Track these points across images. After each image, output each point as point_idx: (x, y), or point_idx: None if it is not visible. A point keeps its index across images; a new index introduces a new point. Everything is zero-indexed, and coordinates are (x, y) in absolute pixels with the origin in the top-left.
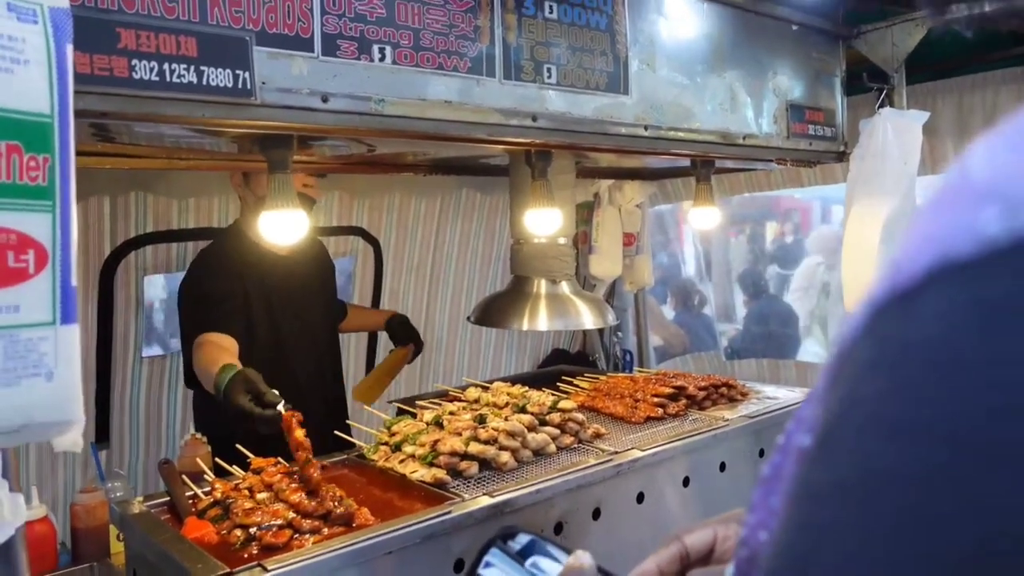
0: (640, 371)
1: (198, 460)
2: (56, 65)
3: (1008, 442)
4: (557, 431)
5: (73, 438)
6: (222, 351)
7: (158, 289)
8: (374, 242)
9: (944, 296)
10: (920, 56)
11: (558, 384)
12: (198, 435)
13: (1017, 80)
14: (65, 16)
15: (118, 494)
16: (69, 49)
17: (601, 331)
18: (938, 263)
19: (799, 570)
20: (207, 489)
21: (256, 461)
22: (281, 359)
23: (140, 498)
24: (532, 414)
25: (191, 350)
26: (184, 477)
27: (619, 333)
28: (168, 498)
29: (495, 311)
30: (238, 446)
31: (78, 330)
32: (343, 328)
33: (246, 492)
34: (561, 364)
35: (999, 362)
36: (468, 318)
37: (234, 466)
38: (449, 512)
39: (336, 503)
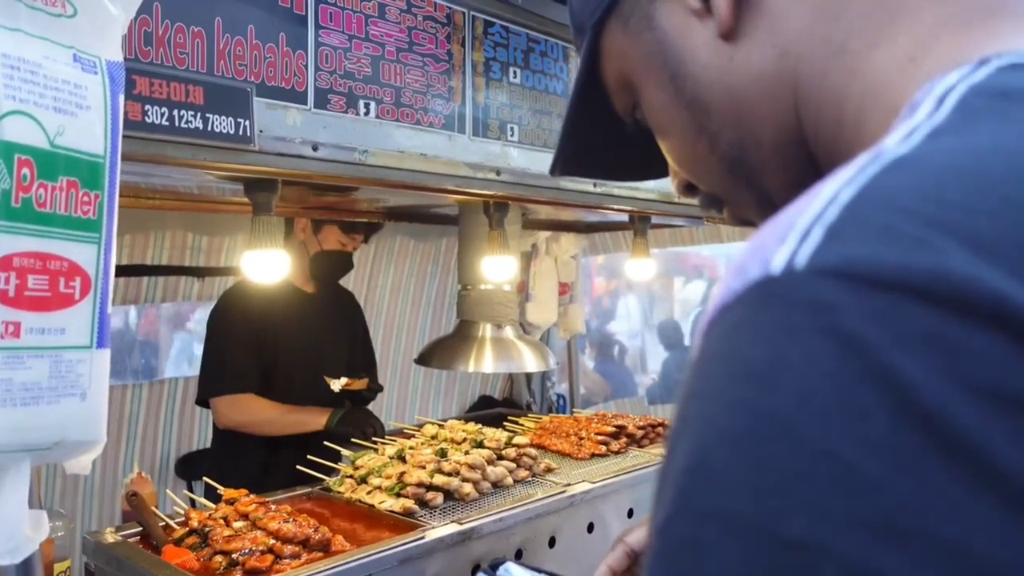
0: (578, 412)
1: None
2: (111, 111)
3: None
4: (513, 465)
5: (88, 460)
6: (277, 409)
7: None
8: None
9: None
10: None
11: (504, 424)
12: (143, 473)
13: None
14: (119, 68)
15: (59, 534)
16: (121, 97)
17: (528, 378)
18: (737, 288)
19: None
20: (180, 519)
21: (228, 492)
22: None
23: (112, 528)
24: (490, 449)
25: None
26: (154, 509)
27: (552, 379)
28: (139, 529)
29: (441, 353)
30: (206, 479)
31: (109, 354)
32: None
33: (221, 521)
34: (489, 409)
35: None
36: (415, 360)
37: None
38: (423, 537)
39: (313, 530)
